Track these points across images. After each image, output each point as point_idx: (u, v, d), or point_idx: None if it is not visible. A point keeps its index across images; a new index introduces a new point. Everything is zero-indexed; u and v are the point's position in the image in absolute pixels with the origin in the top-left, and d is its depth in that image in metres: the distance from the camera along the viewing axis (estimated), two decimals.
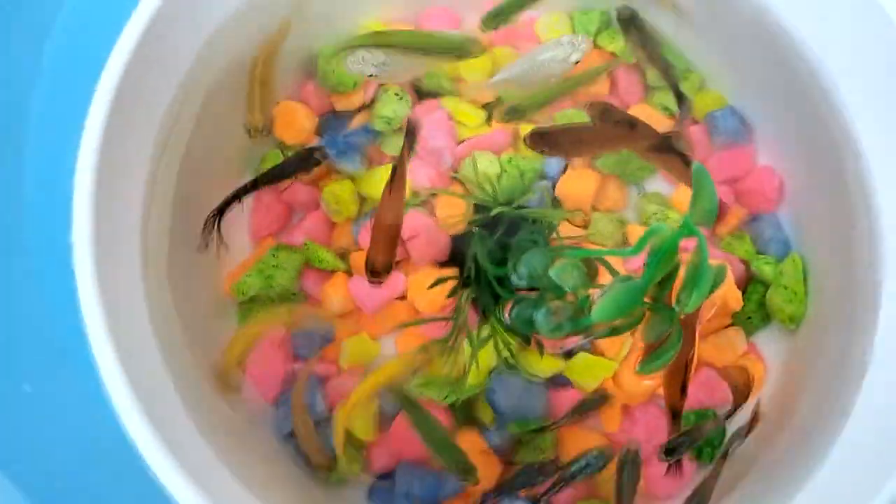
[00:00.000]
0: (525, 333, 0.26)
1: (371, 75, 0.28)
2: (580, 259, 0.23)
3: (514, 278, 0.24)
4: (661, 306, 0.24)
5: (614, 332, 0.24)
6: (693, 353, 0.26)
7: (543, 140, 0.25)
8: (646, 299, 0.24)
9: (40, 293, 0.52)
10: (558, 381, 0.28)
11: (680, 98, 0.30)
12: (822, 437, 0.23)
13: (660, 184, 0.31)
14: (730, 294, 0.28)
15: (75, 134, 0.60)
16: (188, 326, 0.26)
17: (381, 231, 0.27)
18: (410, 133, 0.28)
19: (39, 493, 0.50)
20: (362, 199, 0.31)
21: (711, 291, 0.24)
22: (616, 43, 0.32)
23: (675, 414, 0.27)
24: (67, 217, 0.57)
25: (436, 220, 0.29)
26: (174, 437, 0.21)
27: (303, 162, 0.29)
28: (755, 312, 0.29)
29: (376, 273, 0.27)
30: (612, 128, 0.26)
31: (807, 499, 0.22)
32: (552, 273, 0.24)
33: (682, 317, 0.24)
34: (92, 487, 0.51)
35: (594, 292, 0.23)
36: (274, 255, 0.29)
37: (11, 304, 0.53)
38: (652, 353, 0.24)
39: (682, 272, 0.24)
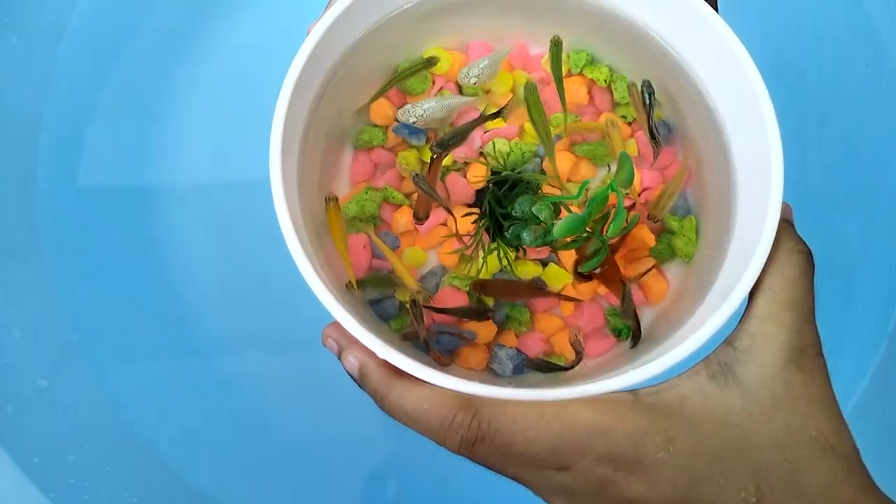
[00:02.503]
0: (516, 245, 0.43)
1: (413, 122, 0.44)
2: (550, 202, 0.41)
3: (514, 212, 0.42)
4: (595, 234, 0.41)
5: (568, 246, 0.41)
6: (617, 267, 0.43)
7: (482, 289, 0.43)
8: (588, 229, 0.41)
9: (54, 289, 0.58)
10: (537, 283, 0.45)
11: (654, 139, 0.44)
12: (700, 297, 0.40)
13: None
14: (646, 235, 0.45)
15: (85, 134, 0.60)
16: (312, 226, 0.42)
17: (421, 197, 0.45)
18: (440, 154, 0.45)
19: (54, 487, 0.52)
20: (423, 163, 0.48)
21: (626, 229, 0.41)
22: (595, 73, 0.48)
23: (625, 304, 0.43)
24: (79, 217, 0.59)
25: (467, 179, 0.46)
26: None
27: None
28: (663, 250, 0.46)
29: (419, 219, 0.44)
30: (516, 285, 0.43)
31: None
32: (534, 209, 0.41)
33: (610, 241, 0.41)
34: (105, 482, 0.55)
35: (557, 222, 0.40)
36: (366, 193, 0.46)
37: (27, 299, 0.57)
38: (588, 260, 0.41)
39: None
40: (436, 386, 0.34)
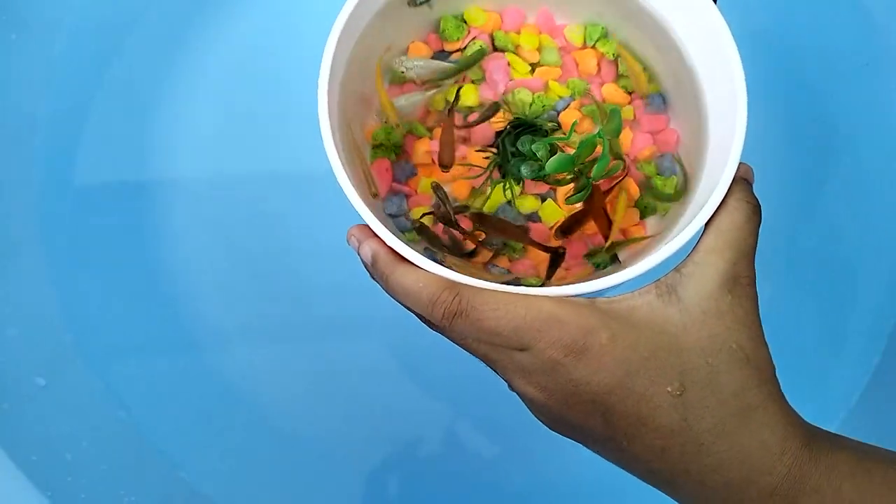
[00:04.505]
0: (517, 177, 0.50)
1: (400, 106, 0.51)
2: (547, 143, 0.48)
3: (518, 149, 0.49)
4: (582, 175, 0.48)
5: (560, 182, 0.49)
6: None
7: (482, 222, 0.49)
8: (577, 170, 0.48)
9: (50, 287, 0.57)
10: (534, 218, 0.52)
11: None
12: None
13: None
14: (631, 188, 0.52)
15: (81, 132, 0.59)
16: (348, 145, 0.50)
17: (444, 145, 0.51)
18: (454, 104, 0.52)
19: (51, 486, 0.51)
20: (447, 101, 0.55)
21: (607, 174, 0.48)
22: (605, 47, 0.55)
23: (606, 239, 0.50)
24: (76, 213, 0.58)
25: (490, 122, 0.54)
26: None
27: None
28: (648, 204, 0.52)
29: (444, 166, 0.52)
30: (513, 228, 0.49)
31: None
32: (533, 147, 0.48)
33: (595, 183, 0.48)
34: (103, 480, 0.54)
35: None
36: (395, 125, 0.54)
37: (23, 297, 0.56)
38: (573, 195, 0.48)
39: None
40: (429, 272, 0.41)
